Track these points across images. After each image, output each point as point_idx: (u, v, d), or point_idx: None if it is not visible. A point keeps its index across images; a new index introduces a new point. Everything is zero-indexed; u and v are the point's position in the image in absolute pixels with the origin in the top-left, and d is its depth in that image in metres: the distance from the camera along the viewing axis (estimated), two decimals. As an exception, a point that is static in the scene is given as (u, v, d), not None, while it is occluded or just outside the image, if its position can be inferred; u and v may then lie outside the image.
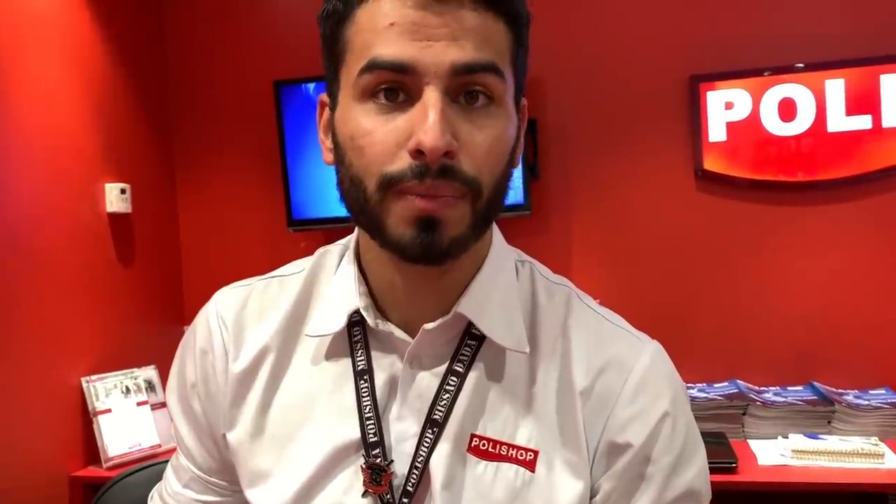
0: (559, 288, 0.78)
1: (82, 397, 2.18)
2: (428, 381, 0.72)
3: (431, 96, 0.62)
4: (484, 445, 0.71)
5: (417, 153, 0.62)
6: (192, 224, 2.72)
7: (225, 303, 0.81)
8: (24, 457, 1.98)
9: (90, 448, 2.17)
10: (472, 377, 0.72)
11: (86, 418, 2.17)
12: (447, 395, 0.71)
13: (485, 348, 0.73)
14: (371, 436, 0.72)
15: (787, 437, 1.98)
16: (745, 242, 2.30)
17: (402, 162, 0.63)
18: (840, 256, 2.24)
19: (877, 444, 1.88)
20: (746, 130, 2.26)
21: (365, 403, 0.73)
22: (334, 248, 0.82)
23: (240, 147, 2.67)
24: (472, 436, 0.71)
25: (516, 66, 0.68)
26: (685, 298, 2.34)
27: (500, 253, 0.76)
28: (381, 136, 0.63)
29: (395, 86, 0.63)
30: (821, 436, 1.98)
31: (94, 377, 2.21)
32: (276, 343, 0.77)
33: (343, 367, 0.75)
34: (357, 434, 0.72)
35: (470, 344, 0.73)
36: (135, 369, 2.32)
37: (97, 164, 2.32)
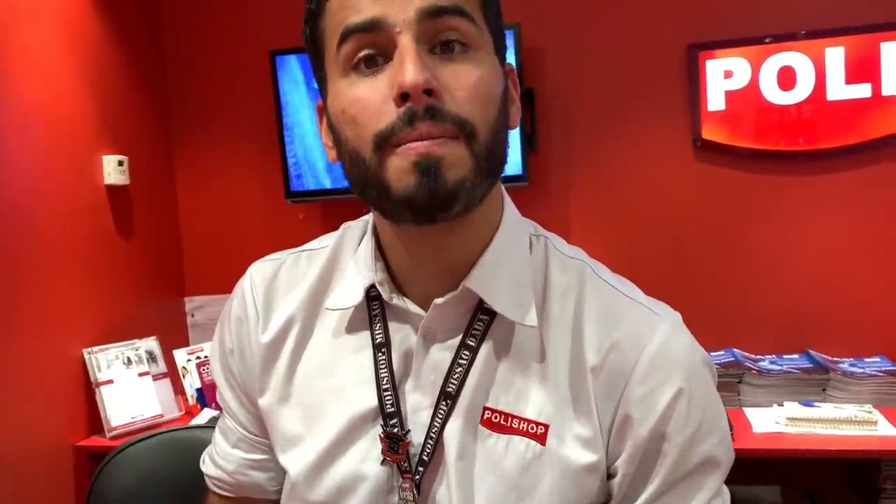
0: (573, 262, 0.77)
1: (84, 368, 2.20)
2: (441, 354, 0.74)
3: (404, 43, 0.63)
4: (496, 418, 0.72)
5: (401, 98, 0.63)
6: (190, 195, 2.72)
7: (258, 275, 0.84)
8: (27, 427, 2.00)
9: (93, 418, 2.20)
10: (483, 351, 0.73)
11: (88, 389, 2.19)
12: (460, 368, 0.73)
13: (496, 323, 0.73)
14: (388, 406, 0.74)
15: (782, 405, 2.00)
16: (743, 212, 2.31)
17: (391, 115, 0.64)
18: (837, 225, 2.25)
19: (870, 412, 1.91)
20: (745, 99, 2.25)
21: (382, 374, 0.75)
22: (357, 224, 0.83)
23: (237, 118, 2.66)
24: (485, 408, 0.72)
25: (490, 23, 0.69)
26: (683, 267, 2.35)
27: (513, 227, 0.76)
28: (368, 98, 0.65)
29: (372, 49, 0.65)
30: (815, 403, 2.00)
31: (95, 348, 2.22)
32: (301, 315, 0.80)
33: (362, 340, 0.77)
34: (375, 403, 0.75)
35: (482, 319, 0.73)
36: (136, 340, 2.34)
37: (94, 136, 2.31)
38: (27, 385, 2.01)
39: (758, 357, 2.25)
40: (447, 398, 0.73)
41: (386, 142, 0.64)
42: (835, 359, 2.19)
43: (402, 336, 0.75)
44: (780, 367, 2.12)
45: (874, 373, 2.04)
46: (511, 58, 2.25)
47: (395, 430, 0.73)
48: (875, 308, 2.23)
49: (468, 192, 0.65)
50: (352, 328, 0.78)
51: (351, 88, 0.66)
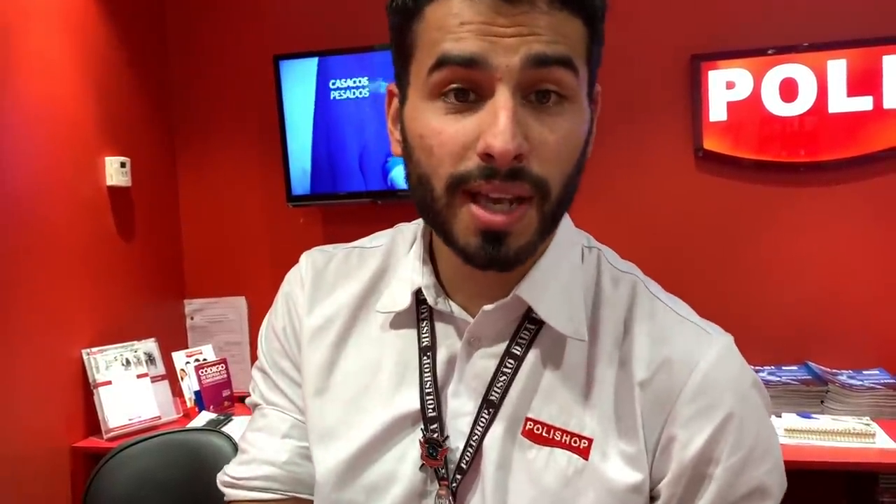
0: (625, 276, 0.76)
1: (83, 369, 2.20)
2: (485, 361, 0.73)
3: (502, 96, 0.61)
4: (538, 430, 0.71)
5: (487, 156, 0.61)
6: (191, 198, 2.73)
7: (311, 262, 0.84)
8: (25, 427, 2.00)
9: (91, 419, 2.20)
10: (529, 360, 0.72)
11: (86, 390, 2.20)
12: (504, 376, 0.72)
13: (544, 333, 0.72)
14: (430, 410, 0.73)
15: (780, 417, 2.00)
16: (744, 222, 2.31)
17: (471, 163, 0.62)
18: (838, 237, 2.25)
19: (868, 424, 1.90)
20: (747, 110, 2.25)
21: (426, 378, 0.74)
22: (410, 227, 0.83)
23: (239, 121, 2.66)
24: (527, 419, 0.71)
25: (591, 60, 0.69)
26: (683, 277, 2.33)
27: (566, 238, 0.75)
28: (450, 136, 0.63)
29: (466, 84, 0.62)
30: (814, 415, 2.00)
31: (94, 349, 2.22)
32: (348, 311, 0.80)
33: (409, 342, 0.76)
34: (416, 406, 0.74)
35: (529, 328, 0.72)
36: (135, 342, 2.34)
37: (97, 138, 2.32)
38: (25, 385, 2.01)
39: (757, 368, 2.25)
40: (489, 406, 0.72)
41: (459, 185, 0.63)
42: (833, 371, 2.19)
43: (448, 341, 0.75)
44: (778, 379, 2.12)
45: (873, 385, 2.04)
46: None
47: (435, 435, 0.72)
48: (875, 320, 2.23)
49: (530, 252, 0.66)
50: (399, 330, 0.77)
51: (435, 118, 0.64)
